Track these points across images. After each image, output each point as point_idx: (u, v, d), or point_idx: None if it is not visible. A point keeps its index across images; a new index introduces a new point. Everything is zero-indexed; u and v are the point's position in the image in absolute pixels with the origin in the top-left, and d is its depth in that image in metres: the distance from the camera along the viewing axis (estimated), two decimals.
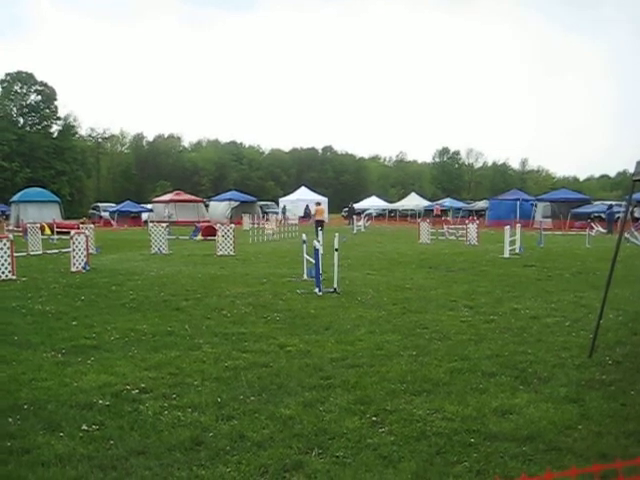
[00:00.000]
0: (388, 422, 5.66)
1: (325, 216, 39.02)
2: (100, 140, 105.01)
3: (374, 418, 5.75)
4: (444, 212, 64.08)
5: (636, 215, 41.76)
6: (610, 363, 7.63)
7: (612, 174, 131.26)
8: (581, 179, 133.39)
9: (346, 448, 5.09)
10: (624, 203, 44.35)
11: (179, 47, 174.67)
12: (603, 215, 43.25)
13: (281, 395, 6.43)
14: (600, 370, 7.31)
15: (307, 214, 58.74)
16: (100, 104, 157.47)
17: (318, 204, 38.36)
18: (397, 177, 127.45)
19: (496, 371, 7.28)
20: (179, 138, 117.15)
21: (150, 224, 28.07)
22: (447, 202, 68.81)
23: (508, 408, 5.99)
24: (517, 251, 23.83)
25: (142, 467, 4.74)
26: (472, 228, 30.58)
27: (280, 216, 53.68)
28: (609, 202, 47.52)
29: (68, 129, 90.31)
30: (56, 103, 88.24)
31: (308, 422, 5.63)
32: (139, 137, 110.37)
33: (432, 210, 62.97)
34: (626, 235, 30.51)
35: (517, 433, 5.36)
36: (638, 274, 16.74)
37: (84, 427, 5.52)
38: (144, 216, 55.68)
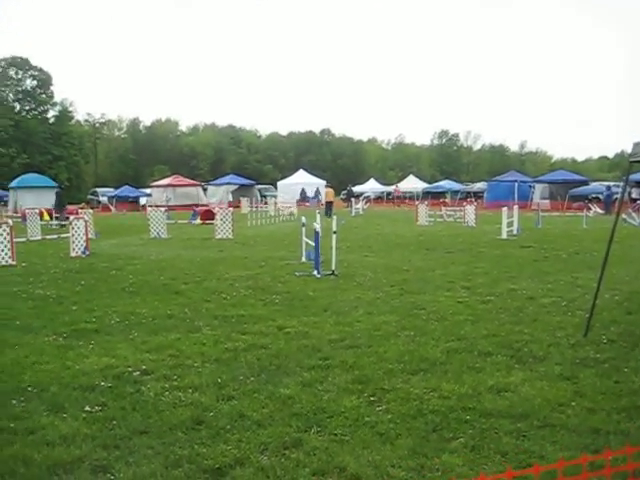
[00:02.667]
0: (385, 401, 5.75)
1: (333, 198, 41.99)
2: (97, 125, 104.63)
3: (372, 397, 5.85)
4: (442, 195, 64.17)
5: (633, 196, 41.85)
6: (605, 342, 7.72)
7: (610, 155, 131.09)
8: (580, 160, 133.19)
9: (344, 426, 5.18)
10: (622, 184, 44.47)
11: (175, 30, 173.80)
12: (601, 196, 43.28)
13: (280, 375, 6.52)
14: (594, 349, 7.40)
15: (304, 197, 58.89)
16: (97, 89, 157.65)
17: (328, 186, 45.88)
18: (395, 160, 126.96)
19: (492, 350, 7.37)
20: (176, 122, 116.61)
21: (149, 208, 28.13)
22: (446, 184, 68.88)
23: (503, 386, 6.08)
24: (514, 232, 23.92)
25: (144, 446, 4.84)
26: (470, 210, 30.66)
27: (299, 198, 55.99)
28: (607, 183, 47.51)
29: (65, 114, 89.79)
30: (52, 88, 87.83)
31: (307, 401, 5.73)
32: (136, 122, 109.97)
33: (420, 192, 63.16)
34: (623, 216, 30.62)
35: (512, 410, 5.45)
36: (634, 254, 16.84)
37: (87, 408, 5.62)
38: (142, 200, 55.67)
